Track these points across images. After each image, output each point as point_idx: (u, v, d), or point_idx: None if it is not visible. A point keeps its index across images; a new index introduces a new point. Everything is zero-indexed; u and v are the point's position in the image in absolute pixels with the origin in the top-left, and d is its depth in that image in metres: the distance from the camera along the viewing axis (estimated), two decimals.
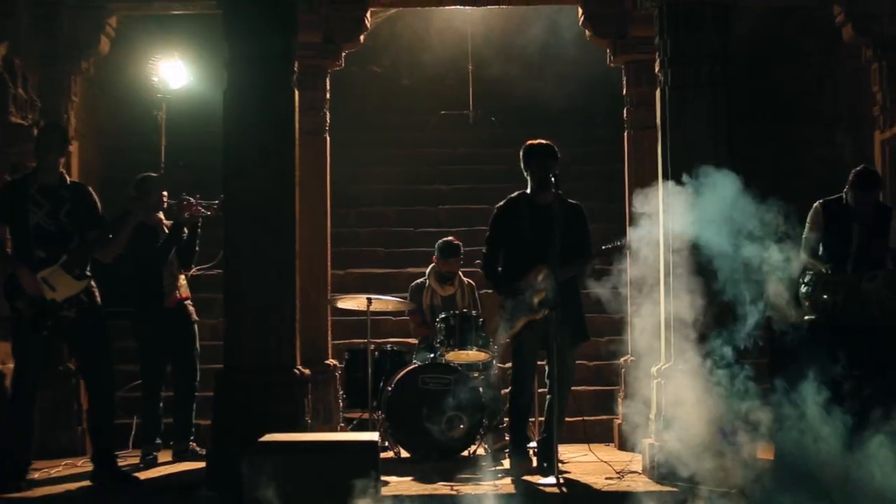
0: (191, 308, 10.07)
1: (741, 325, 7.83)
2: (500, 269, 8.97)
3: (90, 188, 8.84)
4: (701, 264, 8.13)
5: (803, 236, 8.86)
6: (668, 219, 8.55)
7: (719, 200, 7.79)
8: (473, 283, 10.90)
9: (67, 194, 8.57)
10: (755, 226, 7.78)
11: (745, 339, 7.83)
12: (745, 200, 7.72)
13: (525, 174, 9.00)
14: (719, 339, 7.94)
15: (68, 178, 8.75)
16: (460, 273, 10.78)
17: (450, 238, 10.92)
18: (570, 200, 8.80)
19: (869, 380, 8.12)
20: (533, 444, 9.33)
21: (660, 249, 8.80)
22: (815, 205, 8.94)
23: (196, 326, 10.09)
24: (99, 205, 8.74)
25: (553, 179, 8.49)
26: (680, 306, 8.39)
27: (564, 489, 8.12)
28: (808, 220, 8.85)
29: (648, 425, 8.90)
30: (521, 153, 9.03)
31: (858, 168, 8.87)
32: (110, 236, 8.61)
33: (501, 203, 9.06)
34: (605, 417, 11.04)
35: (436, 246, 10.81)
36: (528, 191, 8.94)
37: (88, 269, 8.59)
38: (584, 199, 9.47)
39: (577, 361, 9.46)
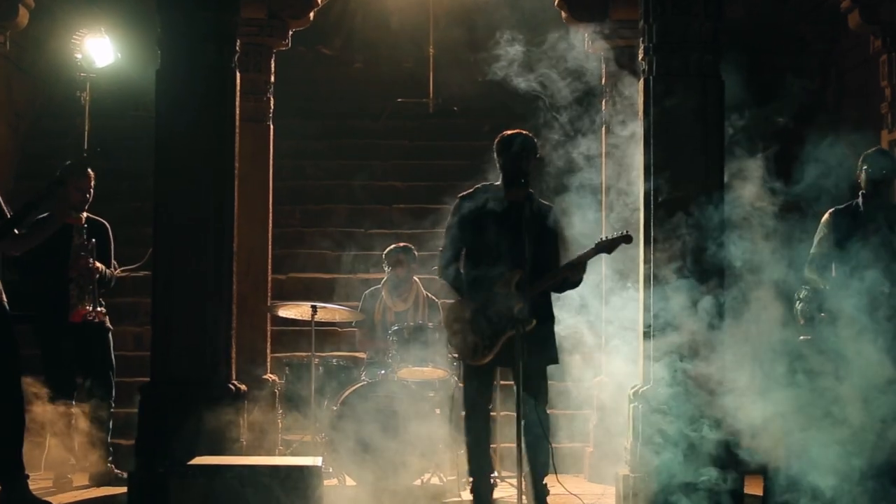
0: (102, 316, 9.90)
1: None
2: (461, 270, 8.61)
3: None
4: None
5: (811, 251, 8.88)
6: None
7: None
8: (435, 298, 10.73)
9: None
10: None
11: None
12: None
13: (497, 166, 8.77)
14: None
15: None
16: (420, 287, 10.72)
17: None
18: (542, 201, 8.62)
19: None
20: (495, 473, 9.21)
21: (639, 251, 8.77)
22: (825, 216, 8.93)
23: (111, 335, 9.98)
24: (4, 206, 8.60)
25: (523, 180, 8.34)
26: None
27: None
28: (818, 232, 8.87)
29: (623, 454, 8.84)
30: (494, 143, 8.83)
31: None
32: (21, 232, 8.49)
33: (468, 191, 8.68)
34: (575, 445, 11.00)
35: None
36: (499, 183, 8.71)
37: None
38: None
39: None
